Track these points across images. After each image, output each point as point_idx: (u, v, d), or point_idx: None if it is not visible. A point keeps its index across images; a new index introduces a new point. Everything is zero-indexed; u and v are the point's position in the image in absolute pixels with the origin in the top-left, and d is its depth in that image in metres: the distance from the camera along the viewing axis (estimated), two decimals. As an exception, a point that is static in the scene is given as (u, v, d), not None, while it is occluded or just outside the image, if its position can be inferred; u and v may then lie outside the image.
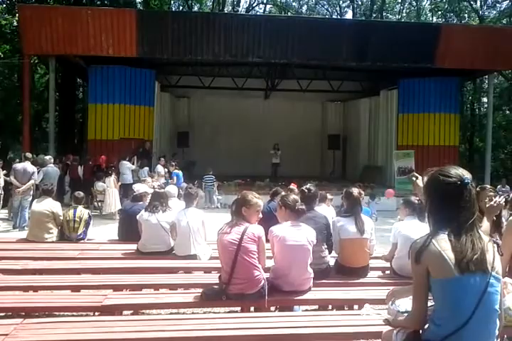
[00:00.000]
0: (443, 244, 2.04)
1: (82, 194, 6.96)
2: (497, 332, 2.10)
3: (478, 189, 4.09)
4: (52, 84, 15.47)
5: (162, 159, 14.32)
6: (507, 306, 2.94)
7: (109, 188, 12.02)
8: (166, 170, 13.91)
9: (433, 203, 2.18)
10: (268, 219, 4.89)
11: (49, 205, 6.62)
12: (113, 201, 11.93)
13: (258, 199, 3.96)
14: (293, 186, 7.46)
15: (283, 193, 5.27)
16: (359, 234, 4.65)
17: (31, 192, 10.12)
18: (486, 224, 3.45)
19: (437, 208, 2.16)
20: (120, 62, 15.34)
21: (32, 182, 9.99)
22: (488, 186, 4.38)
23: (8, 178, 10.41)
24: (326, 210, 6.49)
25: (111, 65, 15.44)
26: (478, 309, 2.00)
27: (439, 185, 2.14)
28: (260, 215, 4.03)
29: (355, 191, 4.90)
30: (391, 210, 12.93)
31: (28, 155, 10.51)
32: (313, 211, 4.79)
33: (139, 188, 6.92)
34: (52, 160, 11.59)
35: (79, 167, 13.45)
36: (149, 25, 14.62)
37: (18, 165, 10.11)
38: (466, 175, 2.13)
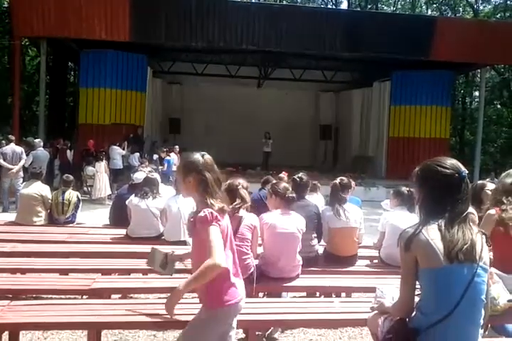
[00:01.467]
0: (433, 233, 2.05)
1: (71, 177, 6.90)
2: (482, 322, 2.13)
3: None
4: (43, 66, 15.29)
5: (176, 147, 14.16)
6: (492, 296, 2.98)
7: (99, 173, 11.96)
8: (157, 156, 13.86)
9: (428, 194, 2.16)
10: (259, 207, 4.90)
11: (38, 188, 6.58)
12: (103, 186, 11.89)
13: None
14: (283, 175, 7.45)
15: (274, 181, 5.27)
16: (346, 223, 4.67)
17: (21, 173, 10.09)
18: None
19: (432, 199, 2.14)
20: (113, 47, 15.17)
21: (23, 161, 10.02)
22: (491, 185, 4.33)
23: None
24: (317, 199, 6.51)
25: (103, 48, 15.26)
26: (464, 298, 2.02)
27: (436, 176, 2.13)
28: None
29: (337, 180, 4.93)
30: (380, 200, 12.98)
31: (11, 137, 10.52)
32: (305, 200, 4.80)
33: (138, 177, 6.83)
34: (41, 144, 11.50)
35: (68, 151, 13.35)
36: (143, 9, 14.45)
37: (7, 148, 10.08)
38: (462, 167, 2.14)
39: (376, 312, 2.54)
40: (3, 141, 12.28)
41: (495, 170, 19.88)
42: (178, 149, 14.06)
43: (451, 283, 2.03)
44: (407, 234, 2.10)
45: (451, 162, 2.15)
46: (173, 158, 13.59)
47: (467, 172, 2.15)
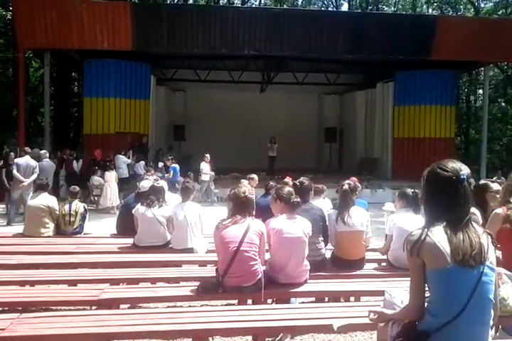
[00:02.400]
0: (438, 235, 2.06)
1: (77, 188, 6.94)
2: (492, 322, 2.12)
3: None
4: (47, 78, 15.39)
5: (207, 155, 13.75)
6: (501, 296, 2.96)
7: (110, 182, 11.97)
8: (162, 164, 13.87)
9: (428, 196, 2.20)
10: (264, 213, 4.90)
11: (45, 200, 6.60)
12: (114, 195, 11.88)
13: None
14: (288, 179, 7.44)
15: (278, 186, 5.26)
16: (353, 227, 4.66)
17: (32, 187, 10.07)
18: None
19: (432, 201, 2.17)
20: (115, 56, 15.26)
21: (35, 176, 9.92)
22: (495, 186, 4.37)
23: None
24: (322, 203, 6.49)
25: (106, 58, 15.36)
26: (472, 298, 2.02)
27: (435, 177, 2.16)
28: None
29: (346, 184, 4.92)
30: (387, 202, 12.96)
31: (28, 149, 10.43)
32: (309, 203, 4.80)
33: (145, 185, 6.85)
34: (47, 155, 11.52)
35: (74, 161, 13.38)
36: (144, 18, 14.54)
37: (21, 160, 9.99)
38: (464, 170, 2.13)
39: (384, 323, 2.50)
40: (12, 153, 12.34)
41: (501, 169, 19.78)
42: (209, 158, 13.73)
43: (458, 283, 2.03)
44: (413, 237, 2.12)
45: (453, 165, 2.15)
46: (204, 167, 13.50)
47: (468, 174, 2.13)
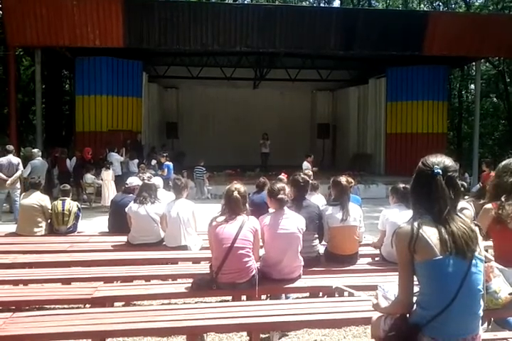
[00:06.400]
0: (426, 228, 2.07)
1: (68, 186, 6.90)
2: (481, 313, 2.14)
3: None
4: (38, 76, 15.27)
5: (311, 156, 13.47)
6: (493, 289, 2.98)
7: (107, 181, 11.88)
8: (155, 161, 13.83)
9: (411, 189, 2.26)
10: (258, 210, 4.91)
11: (37, 198, 6.56)
12: (112, 194, 11.80)
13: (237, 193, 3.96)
14: (283, 176, 7.45)
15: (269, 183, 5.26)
16: (346, 222, 4.68)
17: (18, 185, 10.00)
18: None
19: (413, 195, 2.23)
20: (107, 53, 15.18)
21: (19, 173, 9.87)
22: None
23: None
24: (318, 199, 6.51)
25: (98, 56, 15.27)
26: (461, 289, 2.04)
27: (416, 171, 2.20)
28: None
29: (343, 180, 4.92)
30: (380, 198, 13.05)
31: (10, 147, 10.24)
32: (306, 200, 4.79)
33: (129, 181, 6.86)
34: (40, 153, 11.41)
35: (67, 160, 13.30)
36: (136, 15, 14.44)
37: (3, 160, 9.88)
38: (441, 164, 2.12)
39: (378, 316, 2.52)
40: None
41: (494, 163, 19.83)
42: (312, 158, 13.23)
43: (447, 274, 2.04)
44: (401, 230, 2.13)
45: (433, 159, 2.17)
46: (308, 167, 12.62)
47: (447, 168, 2.12)
